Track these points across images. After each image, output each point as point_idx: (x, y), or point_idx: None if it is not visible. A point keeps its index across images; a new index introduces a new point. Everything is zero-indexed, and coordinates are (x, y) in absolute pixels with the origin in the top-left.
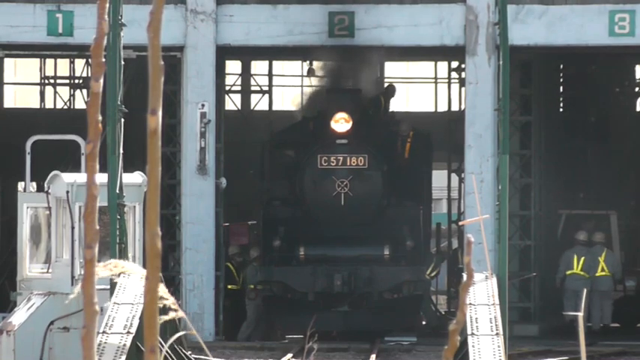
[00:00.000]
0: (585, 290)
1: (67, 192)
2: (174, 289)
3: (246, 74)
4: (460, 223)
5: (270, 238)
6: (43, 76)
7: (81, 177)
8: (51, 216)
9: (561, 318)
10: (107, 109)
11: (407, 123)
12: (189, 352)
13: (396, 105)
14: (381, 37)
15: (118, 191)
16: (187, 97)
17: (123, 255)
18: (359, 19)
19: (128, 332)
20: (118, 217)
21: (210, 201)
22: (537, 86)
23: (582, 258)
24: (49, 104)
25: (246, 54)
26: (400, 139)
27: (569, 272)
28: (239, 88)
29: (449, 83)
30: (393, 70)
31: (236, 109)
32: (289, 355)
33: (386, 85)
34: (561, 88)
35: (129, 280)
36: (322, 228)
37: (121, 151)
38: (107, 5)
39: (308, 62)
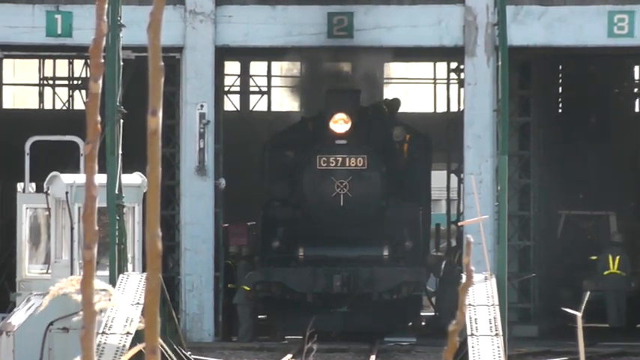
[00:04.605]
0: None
1: (67, 193)
2: (174, 289)
3: (245, 75)
4: (459, 224)
5: (269, 238)
6: (41, 76)
7: (80, 178)
8: (50, 217)
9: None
10: (106, 110)
11: (401, 128)
12: (189, 353)
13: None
14: (380, 38)
15: (117, 192)
16: (186, 97)
17: (122, 256)
18: (358, 20)
19: (127, 333)
20: (117, 217)
21: (209, 202)
22: (536, 87)
23: (617, 257)
24: (47, 105)
25: (245, 55)
26: (397, 143)
27: (606, 272)
28: (238, 88)
29: (448, 84)
30: (392, 70)
31: (235, 109)
32: (289, 356)
33: (392, 98)
34: (560, 88)
35: (129, 281)
36: (321, 229)
37: (120, 151)
38: (106, 6)
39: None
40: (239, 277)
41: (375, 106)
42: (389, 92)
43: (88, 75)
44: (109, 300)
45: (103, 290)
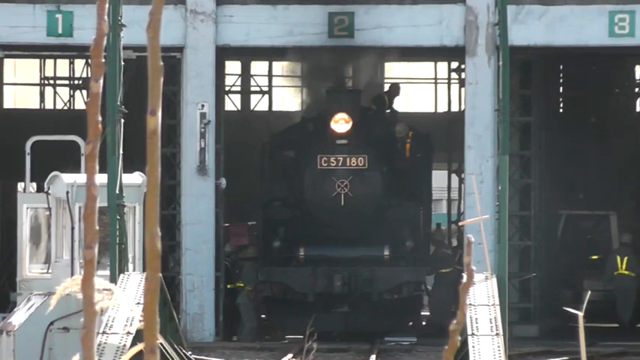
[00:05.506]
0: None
1: (67, 192)
2: (175, 289)
3: (245, 75)
4: (460, 224)
5: (270, 238)
6: (42, 76)
7: (81, 177)
8: (51, 216)
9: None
10: (107, 110)
11: (403, 125)
12: (190, 353)
13: (396, 105)
14: (381, 38)
15: (117, 192)
16: (187, 97)
17: (123, 256)
18: (359, 20)
19: (128, 333)
20: (118, 217)
21: (210, 201)
22: (537, 87)
23: (625, 258)
24: (48, 105)
25: (246, 54)
26: (400, 141)
27: (615, 273)
28: (239, 88)
29: (449, 84)
30: (393, 70)
31: (236, 109)
32: (289, 356)
33: (390, 83)
34: (561, 88)
35: (129, 281)
36: (322, 229)
37: (121, 151)
38: (107, 6)
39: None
40: (244, 278)
41: (376, 98)
42: None
43: (89, 75)
44: (112, 299)
45: (106, 290)
